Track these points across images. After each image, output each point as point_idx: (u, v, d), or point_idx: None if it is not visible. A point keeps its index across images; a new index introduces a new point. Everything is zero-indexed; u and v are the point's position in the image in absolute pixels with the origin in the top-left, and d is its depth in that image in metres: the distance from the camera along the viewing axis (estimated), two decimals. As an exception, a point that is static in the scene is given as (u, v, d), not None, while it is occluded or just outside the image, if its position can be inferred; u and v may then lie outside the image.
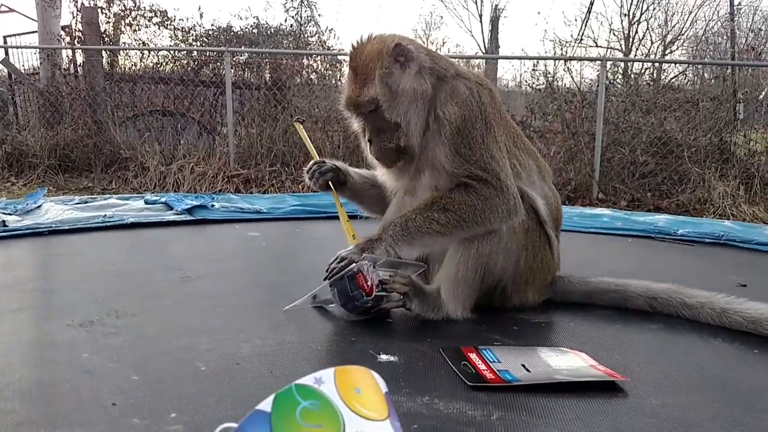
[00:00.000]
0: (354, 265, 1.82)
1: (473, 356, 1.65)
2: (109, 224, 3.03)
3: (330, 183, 2.15)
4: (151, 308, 1.98)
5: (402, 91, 1.92)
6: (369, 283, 1.82)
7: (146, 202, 3.49)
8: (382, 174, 2.09)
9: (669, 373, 1.64)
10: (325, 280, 1.89)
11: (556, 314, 2.10)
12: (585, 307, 2.14)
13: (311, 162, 2.19)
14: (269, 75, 10.49)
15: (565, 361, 1.66)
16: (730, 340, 1.87)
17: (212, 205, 3.43)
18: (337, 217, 2.14)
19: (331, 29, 12.11)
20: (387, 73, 1.91)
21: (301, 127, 2.33)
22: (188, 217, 3.26)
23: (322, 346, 1.76)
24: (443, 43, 19.39)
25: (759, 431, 1.33)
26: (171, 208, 3.35)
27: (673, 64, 12.07)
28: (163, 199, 3.47)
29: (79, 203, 3.43)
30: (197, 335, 1.75)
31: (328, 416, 0.86)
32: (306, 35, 11.87)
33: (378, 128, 1.96)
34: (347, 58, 2.02)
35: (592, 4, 14.94)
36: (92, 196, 3.80)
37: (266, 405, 0.85)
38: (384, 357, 1.64)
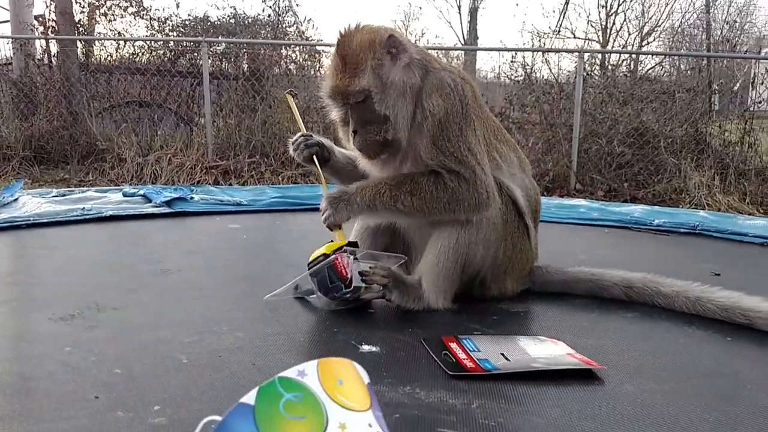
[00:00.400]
0: (332, 258, 1.84)
1: (454, 346, 1.67)
2: (87, 217, 3.00)
3: (315, 157, 2.13)
4: (131, 301, 1.98)
5: (392, 83, 1.91)
6: (348, 275, 1.84)
7: (124, 195, 3.46)
8: (364, 164, 2.08)
9: (645, 360, 1.68)
10: (309, 265, 1.90)
11: (535, 303, 2.13)
12: (562, 296, 2.18)
13: (298, 134, 2.15)
14: (247, 65, 10.41)
15: (543, 350, 1.69)
16: (704, 328, 1.91)
17: (191, 198, 3.41)
18: (318, 209, 2.15)
19: (310, 19, 12.05)
20: (379, 65, 1.90)
21: (293, 99, 2.27)
22: (167, 210, 3.24)
23: (304, 337, 1.77)
24: (422, 33, 19.44)
25: (732, 417, 1.37)
26: (150, 201, 3.33)
27: (650, 56, 12.19)
28: (141, 192, 3.44)
29: (57, 196, 3.39)
30: (179, 328, 1.75)
31: (312, 408, 0.88)
32: (284, 25, 11.79)
33: (364, 119, 1.93)
34: (333, 47, 1.99)
35: (570, -5, 15.01)
36: (70, 189, 3.76)
37: (250, 398, 0.86)
38: (366, 347, 1.65)
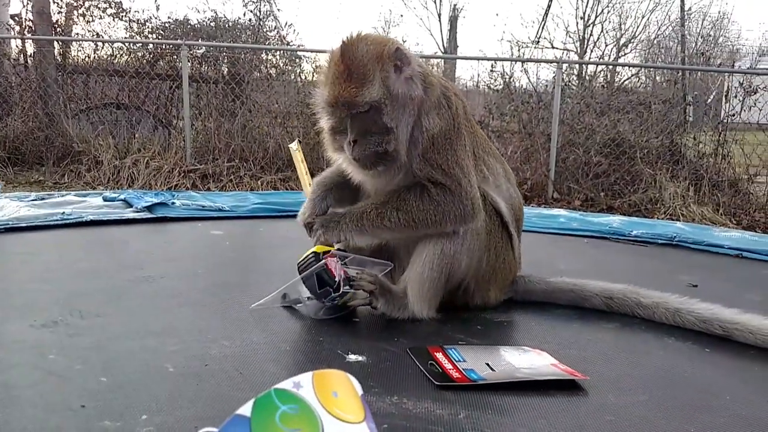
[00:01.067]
0: (324, 261, 1.85)
1: (440, 356, 1.68)
2: (68, 222, 2.97)
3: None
4: (115, 308, 1.96)
5: (397, 95, 1.91)
6: (338, 278, 1.85)
7: (105, 199, 3.42)
8: (357, 174, 2.05)
9: (626, 371, 1.71)
10: (299, 265, 1.92)
11: (518, 313, 2.16)
12: (545, 306, 2.20)
13: (305, 208, 2.10)
14: (227, 69, 10.37)
15: (528, 360, 1.71)
16: (683, 339, 1.95)
17: (173, 203, 3.39)
18: None
19: (291, 24, 12.00)
20: (386, 76, 1.89)
21: (298, 152, 2.21)
22: (148, 215, 3.21)
23: (290, 347, 1.77)
24: (403, 41, 19.48)
25: (712, 428, 1.40)
26: (130, 206, 3.30)
27: (626, 67, 12.38)
28: (122, 196, 3.41)
29: (36, 200, 3.35)
30: (164, 336, 1.74)
31: (307, 420, 0.88)
32: (265, 30, 11.76)
33: (366, 130, 1.90)
34: (329, 54, 1.99)
35: (549, 6, 15.20)
36: (49, 193, 3.72)
37: (246, 409, 0.87)
38: (352, 357, 1.66)
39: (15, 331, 1.75)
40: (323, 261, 1.86)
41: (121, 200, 3.39)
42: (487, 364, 1.64)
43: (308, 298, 1.96)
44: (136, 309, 1.97)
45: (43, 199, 3.39)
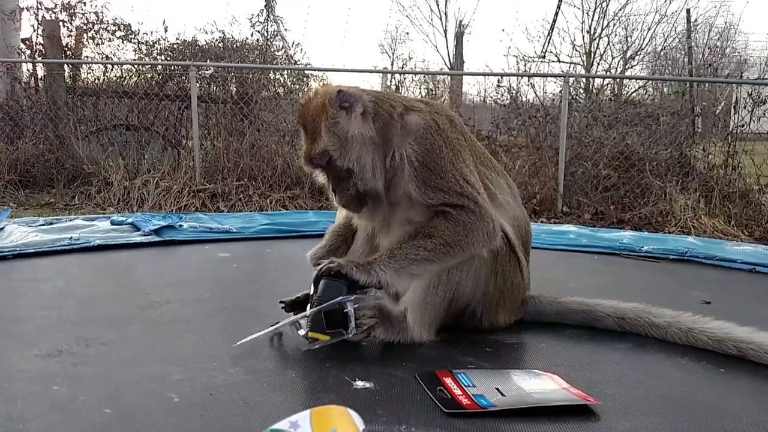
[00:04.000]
0: (342, 298, 1.82)
1: (448, 381, 1.66)
2: (75, 247, 2.97)
3: None
4: (120, 336, 1.95)
5: (351, 137, 1.92)
6: (351, 322, 1.82)
7: (112, 223, 3.43)
8: (355, 219, 2.10)
9: (639, 394, 1.67)
10: (318, 278, 1.88)
11: (528, 335, 2.12)
12: (555, 327, 2.17)
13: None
14: (235, 89, 10.42)
15: (539, 384, 1.68)
16: (697, 360, 1.91)
17: (180, 225, 3.39)
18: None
19: (298, 44, 12.01)
20: (333, 123, 1.92)
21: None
22: (156, 238, 3.21)
23: (297, 374, 1.75)
24: (409, 58, 19.57)
25: (728, 453, 1.37)
26: (138, 229, 3.30)
27: (633, 80, 12.36)
28: (129, 220, 3.42)
29: (44, 224, 3.36)
30: (168, 364, 1.72)
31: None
32: (273, 50, 11.81)
33: (336, 177, 1.96)
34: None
35: (554, 20, 15.23)
36: (57, 218, 3.72)
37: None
38: (360, 383, 1.63)
39: (21, 360, 1.74)
40: (340, 300, 1.82)
41: (129, 224, 3.39)
42: (498, 389, 1.62)
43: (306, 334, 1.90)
44: (141, 336, 1.96)
45: (51, 224, 3.39)
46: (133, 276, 2.70)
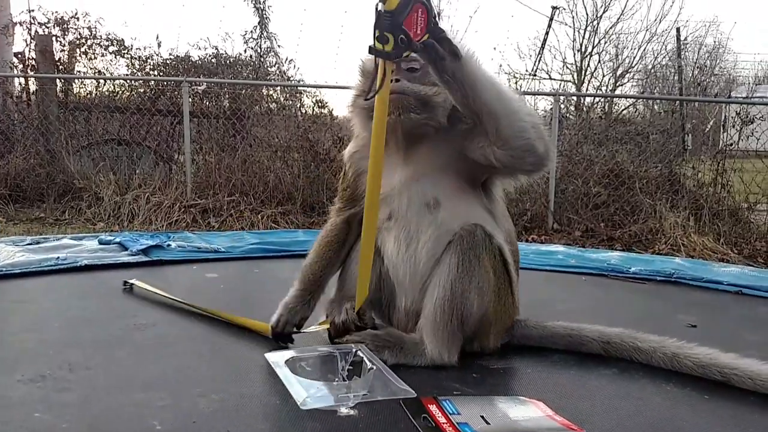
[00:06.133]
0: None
1: (433, 408, 1.65)
2: (62, 267, 2.95)
3: None
4: (105, 360, 1.94)
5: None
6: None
7: (100, 242, 3.41)
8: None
9: (624, 421, 1.67)
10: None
11: (515, 360, 2.12)
12: (541, 351, 2.17)
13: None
14: (228, 104, 10.45)
15: (523, 412, 1.68)
16: (682, 386, 1.91)
17: (168, 245, 3.38)
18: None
19: (291, 60, 12.06)
20: None
21: None
22: (144, 258, 3.20)
23: (281, 399, 1.73)
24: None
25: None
26: (126, 249, 3.29)
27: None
28: (117, 239, 3.40)
29: (31, 244, 3.34)
30: (152, 389, 1.71)
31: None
32: (265, 66, 11.86)
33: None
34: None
35: (545, 39, 15.37)
36: (44, 236, 3.70)
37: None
38: (344, 410, 1.63)
39: (2, 386, 1.73)
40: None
41: (117, 243, 3.38)
42: (482, 417, 1.61)
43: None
44: (126, 360, 1.95)
45: (38, 243, 3.37)
46: (120, 297, 2.68)
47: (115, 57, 11.74)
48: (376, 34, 1.71)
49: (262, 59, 11.82)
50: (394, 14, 1.66)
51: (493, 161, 1.91)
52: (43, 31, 10.92)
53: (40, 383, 1.73)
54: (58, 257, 3.03)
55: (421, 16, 1.70)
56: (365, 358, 1.82)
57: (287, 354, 1.91)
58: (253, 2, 12.24)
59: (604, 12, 15.70)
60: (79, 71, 11.33)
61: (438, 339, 1.95)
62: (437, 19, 1.76)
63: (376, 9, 1.68)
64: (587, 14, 15.93)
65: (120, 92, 10.96)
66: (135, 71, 11.72)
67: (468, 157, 1.98)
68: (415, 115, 1.94)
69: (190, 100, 9.54)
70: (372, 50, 1.74)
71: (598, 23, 15.95)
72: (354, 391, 1.67)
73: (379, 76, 1.79)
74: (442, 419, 1.59)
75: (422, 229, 2.00)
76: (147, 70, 11.72)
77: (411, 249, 2.01)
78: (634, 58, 16.58)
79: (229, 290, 2.92)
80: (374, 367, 1.80)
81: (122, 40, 11.73)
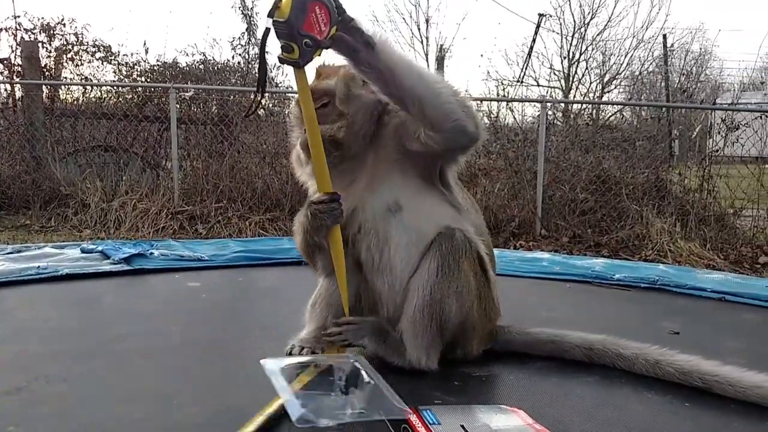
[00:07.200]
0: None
1: (413, 418, 1.64)
2: (42, 276, 2.92)
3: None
4: (82, 372, 1.92)
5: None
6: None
7: (82, 251, 3.39)
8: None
9: (604, 429, 1.67)
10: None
11: (497, 367, 2.11)
12: (524, 358, 2.16)
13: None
14: (216, 110, 10.42)
15: (505, 421, 1.66)
16: (663, 393, 1.91)
17: (151, 253, 3.35)
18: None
19: (280, 66, 12.04)
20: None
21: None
22: (125, 267, 3.17)
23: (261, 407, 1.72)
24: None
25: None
26: (108, 257, 3.26)
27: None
28: (99, 248, 3.37)
29: (12, 252, 3.31)
30: (129, 402, 1.69)
31: None
32: (254, 72, 11.84)
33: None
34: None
35: (532, 46, 15.45)
36: (26, 245, 3.67)
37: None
38: (324, 421, 1.61)
39: (-23, 399, 1.70)
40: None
41: (99, 252, 3.35)
42: (462, 426, 1.60)
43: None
44: (104, 372, 1.93)
45: (20, 251, 3.34)
46: (100, 307, 2.66)
47: (102, 63, 11.71)
48: (281, 44, 1.67)
49: (250, 66, 11.81)
50: (289, 22, 1.61)
51: (432, 144, 1.88)
52: (29, 38, 10.86)
53: (16, 396, 1.71)
54: (39, 266, 3.00)
55: (320, 13, 1.64)
56: (363, 372, 1.80)
57: (285, 361, 1.87)
58: (241, 9, 12.25)
59: (591, 19, 15.83)
60: (65, 77, 11.27)
61: (417, 344, 1.95)
62: (342, 8, 1.69)
63: (271, 19, 1.64)
64: (574, 21, 16.06)
65: (107, 98, 10.91)
66: (122, 77, 11.68)
67: (412, 153, 1.96)
68: (334, 154, 1.94)
69: (178, 106, 9.50)
70: (281, 60, 1.71)
71: (585, 30, 16.07)
72: (351, 407, 1.64)
73: (297, 85, 1.78)
74: (422, 429, 1.58)
75: (390, 236, 1.97)
76: (134, 76, 11.67)
77: (385, 257, 1.99)
78: (621, 64, 16.72)
79: (210, 299, 2.90)
80: (372, 382, 1.77)
81: (109, 46, 11.70)
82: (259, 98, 1.86)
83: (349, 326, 1.95)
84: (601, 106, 11.83)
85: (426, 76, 1.88)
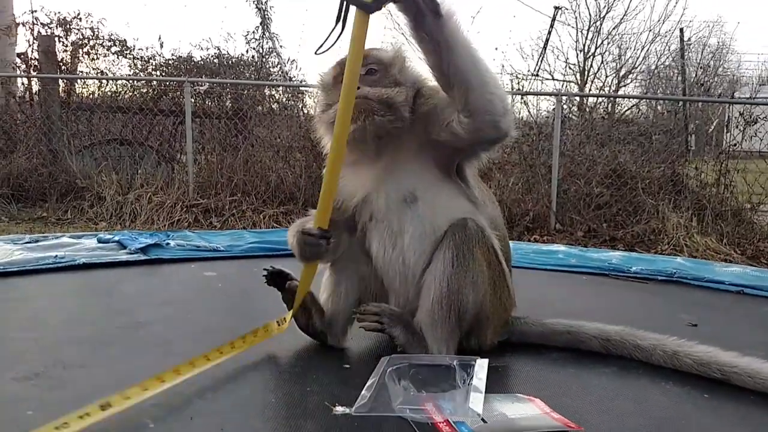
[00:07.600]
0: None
1: (430, 406, 1.63)
2: (59, 265, 2.94)
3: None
4: (100, 358, 1.93)
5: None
6: None
7: (99, 241, 3.41)
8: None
9: (622, 420, 1.66)
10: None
11: (513, 357, 2.10)
12: (540, 349, 2.15)
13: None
14: (230, 104, 10.45)
15: (521, 410, 1.66)
16: (681, 384, 1.89)
17: (167, 243, 3.37)
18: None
19: (293, 60, 12.08)
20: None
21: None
22: (142, 257, 3.19)
23: (276, 398, 1.73)
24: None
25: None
26: (124, 247, 3.28)
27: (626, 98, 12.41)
28: (116, 238, 3.39)
29: (30, 242, 3.33)
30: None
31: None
32: (268, 66, 11.87)
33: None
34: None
35: (547, 39, 15.33)
36: (43, 235, 3.70)
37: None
38: (340, 409, 1.61)
39: (-4, 383, 1.72)
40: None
41: (116, 242, 3.37)
42: (479, 415, 1.60)
43: None
44: (121, 358, 1.94)
45: (37, 241, 3.37)
46: (117, 296, 2.68)
47: (118, 57, 11.77)
48: None
49: (264, 59, 11.83)
50: None
51: (460, 131, 1.86)
52: (46, 32, 10.95)
53: (34, 381, 1.72)
54: (56, 255, 3.02)
55: None
56: (476, 374, 1.74)
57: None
58: (255, 3, 12.26)
59: (607, 12, 15.60)
60: (81, 71, 11.35)
61: (437, 336, 1.93)
62: None
63: None
64: (590, 15, 15.84)
65: (122, 92, 10.98)
66: (137, 71, 11.74)
67: (434, 143, 1.95)
68: (379, 117, 1.91)
69: (192, 100, 9.54)
70: (352, 1, 1.69)
71: (600, 24, 15.87)
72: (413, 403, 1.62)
73: (355, 33, 1.74)
74: (438, 417, 1.57)
75: (405, 227, 1.96)
76: (149, 70, 11.74)
77: (398, 248, 1.98)
78: (638, 58, 16.51)
79: (226, 289, 2.91)
80: (471, 384, 1.71)
81: (124, 40, 11.76)
82: (340, 31, 1.81)
83: (387, 312, 1.95)
84: (617, 99, 11.71)
85: (479, 62, 1.85)
